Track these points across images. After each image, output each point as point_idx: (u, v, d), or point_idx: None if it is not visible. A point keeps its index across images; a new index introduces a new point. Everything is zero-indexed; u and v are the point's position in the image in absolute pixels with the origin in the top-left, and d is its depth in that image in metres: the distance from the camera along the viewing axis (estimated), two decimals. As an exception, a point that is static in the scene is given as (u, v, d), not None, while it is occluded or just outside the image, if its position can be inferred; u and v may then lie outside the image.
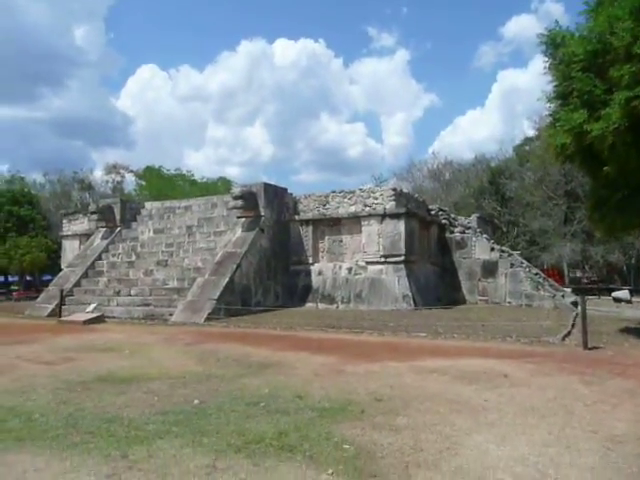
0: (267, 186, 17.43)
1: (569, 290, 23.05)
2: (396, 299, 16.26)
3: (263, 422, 5.15)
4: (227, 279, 15.16)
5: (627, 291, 27.48)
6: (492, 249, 19.72)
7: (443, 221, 20.74)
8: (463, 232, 20.83)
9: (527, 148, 45.62)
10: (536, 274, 20.03)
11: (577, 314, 16.56)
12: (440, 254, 20.20)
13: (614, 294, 27.19)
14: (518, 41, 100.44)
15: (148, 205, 21.55)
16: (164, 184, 49.74)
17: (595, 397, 6.14)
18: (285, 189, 18.75)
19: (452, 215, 22.29)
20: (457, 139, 78.91)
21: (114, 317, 15.55)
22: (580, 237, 33.10)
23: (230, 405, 5.76)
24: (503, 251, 20.28)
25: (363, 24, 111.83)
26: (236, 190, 16.73)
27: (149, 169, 52.20)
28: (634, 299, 26.54)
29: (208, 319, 14.09)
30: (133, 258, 18.62)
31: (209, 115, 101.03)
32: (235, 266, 15.56)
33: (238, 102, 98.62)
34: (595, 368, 7.90)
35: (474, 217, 25.37)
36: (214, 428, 4.95)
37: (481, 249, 19.66)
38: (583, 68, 10.99)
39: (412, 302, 16.05)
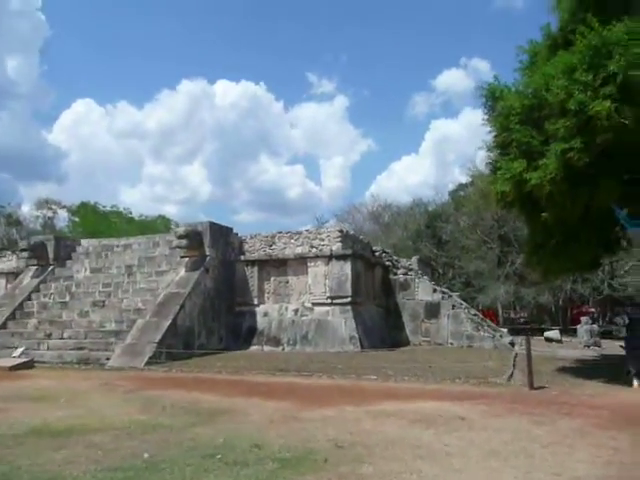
0: (213, 225, 17.12)
1: (505, 330, 23.78)
2: (343, 341, 16.15)
3: (222, 476, 4.84)
4: (170, 321, 14.56)
5: (557, 331, 28.73)
6: (434, 290, 20.14)
7: (387, 263, 21.04)
8: (406, 274, 21.19)
9: (462, 193, 47.64)
10: (474, 315, 20.56)
11: (516, 354, 17.07)
12: (384, 295, 20.39)
13: (546, 334, 28.32)
14: (449, 93, 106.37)
15: (84, 242, 20.57)
16: (99, 221, 47.88)
17: (549, 438, 6.22)
18: (231, 229, 18.49)
19: (394, 257, 22.68)
20: (392, 183, 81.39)
21: (45, 362, 14.47)
22: (513, 279, 34.49)
23: (183, 458, 5.39)
24: (444, 292, 20.78)
25: (303, 69, 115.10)
26: (180, 229, 16.31)
27: (84, 205, 50.18)
28: (564, 338, 27.76)
29: (149, 363, 13.39)
30: (67, 298, 17.57)
31: (146, 152, 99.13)
32: (178, 307, 15.00)
33: (177, 140, 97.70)
34: (543, 408, 8.06)
35: (414, 259, 25.94)
36: (170, 485, 4.60)
37: (424, 291, 20.03)
38: (520, 121, 11.65)
39: (359, 344, 15.99)
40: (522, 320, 41.11)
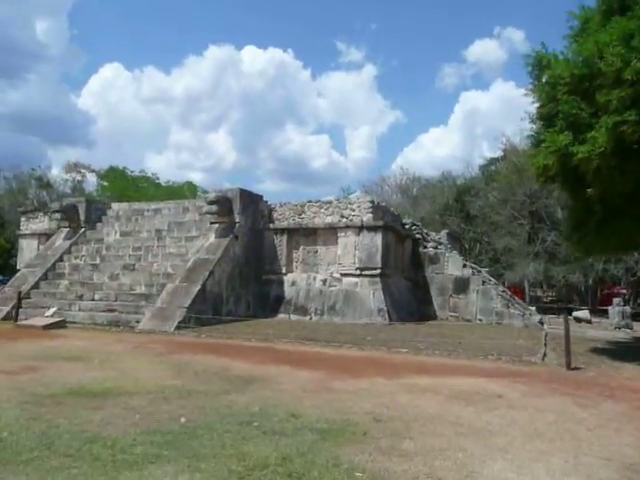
0: (243, 192, 16.98)
1: (533, 309, 23.38)
2: (371, 313, 16.03)
3: (262, 445, 4.75)
4: (199, 287, 14.60)
5: (587, 311, 28.17)
6: (464, 265, 19.80)
7: (417, 236, 20.72)
8: (436, 247, 20.87)
9: (493, 168, 46.56)
10: (503, 291, 20.22)
11: (546, 333, 16.76)
12: (413, 269, 20.15)
13: (575, 314, 27.78)
14: (480, 64, 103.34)
15: (115, 206, 20.70)
16: (128, 186, 48.35)
17: (594, 421, 6.00)
18: (260, 196, 18.34)
19: (424, 230, 22.31)
20: (419, 156, 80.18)
21: (76, 322, 14.72)
22: (543, 257, 33.79)
23: (221, 425, 5.33)
24: (474, 268, 20.42)
25: (332, 38, 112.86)
26: (211, 195, 16.21)
27: (112, 170, 50.63)
28: (593, 319, 27.22)
29: (178, 327, 13.49)
30: (98, 261, 17.77)
31: (173, 119, 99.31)
32: (208, 273, 15.01)
33: (203, 107, 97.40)
34: (584, 390, 7.81)
35: (444, 233, 25.50)
36: (210, 451, 4.52)
37: (454, 265, 19.70)
38: (569, 91, 11.07)
39: (387, 316, 15.85)
40: (549, 299, 40.53)
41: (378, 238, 16.55)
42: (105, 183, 50.79)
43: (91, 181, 51.10)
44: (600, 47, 10.43)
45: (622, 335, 19.95)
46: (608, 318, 28.82)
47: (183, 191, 48.33)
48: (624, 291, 33.63)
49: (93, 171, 51.49)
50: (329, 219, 17.66)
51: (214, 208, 16.06)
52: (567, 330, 9.88)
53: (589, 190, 11.14)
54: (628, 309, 25.05)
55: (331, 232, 17.41)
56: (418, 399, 6.81)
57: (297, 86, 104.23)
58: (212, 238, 16.35)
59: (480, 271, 20.53)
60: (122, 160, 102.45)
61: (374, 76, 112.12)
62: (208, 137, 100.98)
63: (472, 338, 13.70)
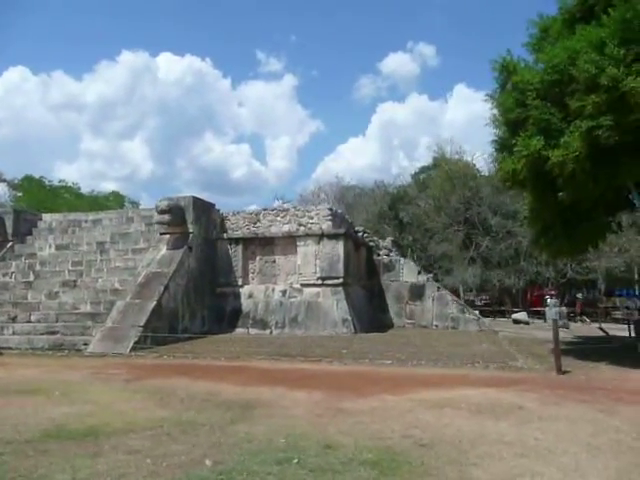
0: (196, 200, 15.94)
1: (477, 312, 23.86)
2: (335, 324, 15.50)
3: (320, 488, 4.07)
4: (154, 303, 13.42)
5: (525, 313, 29.27)
6: (419, 272, 19.80)
7: (370, 244, 20.50)
8: (388, 255, 20.76)
9: (424, 176, 47.77)
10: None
11: (504, 337, 17.03)
12: (368, 276, 19.88)
13: (514, 316, 28.77)
14: (395, 77, 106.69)
15: (47, 217, 18.83)
16: (46, 196, 44.92)
17: (630, 429, 5.79)
18: (213, 204, 17.34)
19: (375, 238, 22.18)
20: (339, 166, 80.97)
21: (11, 348, 13.04)
22: (478, 262, 34.83)
23: (257, 465, 4.57)
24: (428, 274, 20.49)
25: (252, 47, 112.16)
26: (163, 203, 15.03)
27: (28, 179, 46.87)
28: (529, 320, 28.29)
29: (134, 349, 12.27)
30: (31, 278, 15.98)
31: (84, 126, 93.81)
32: (163, 288, 13.85)
33: (117, 115, 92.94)
34: (589, 395, 7.72)
35: (389, 240, 25.54)
36: (267, 502, 3.79)
37: (409, 272, 19.64)
38: (539, 96, 11.20)
39: (352, 327, 15.39)
40: (483, 302, 41.86)
41: (339, 246, 16.09)
42: (19, 194, 46.90)
43: (1, 192, 46.95)
44: (571, 54, 10.59)
45: (564, 335, 20.69)
46: (541, 319, 30.20)
47: (108, 201, 45.66)
48: (553, 293, 35.29)
49: (4, 180, 47.43)
50: (286, 227, 17.00)
51: (166, 218, 14.92)
52: (556, 335, 9.85)
53: (560, 194, 11.26)
54: (564, 309, 26.25)
55: (290, 241, 16.75)
56: (443, 416, 6.35)
57: (216, 95, 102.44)
58: (164, 250, 15.18)
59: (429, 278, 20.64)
60: (29, 169, 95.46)
61: (294, 86, 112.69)
62: (123, 146, 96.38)
63: (443, 345, 13.55)
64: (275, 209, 17.60)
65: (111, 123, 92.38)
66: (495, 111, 13.07)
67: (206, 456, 4.81)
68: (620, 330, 20.91)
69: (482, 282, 34.90)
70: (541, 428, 5.79)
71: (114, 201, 46.49)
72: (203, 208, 16.51)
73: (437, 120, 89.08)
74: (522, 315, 28.32)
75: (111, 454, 4.92)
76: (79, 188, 49.04)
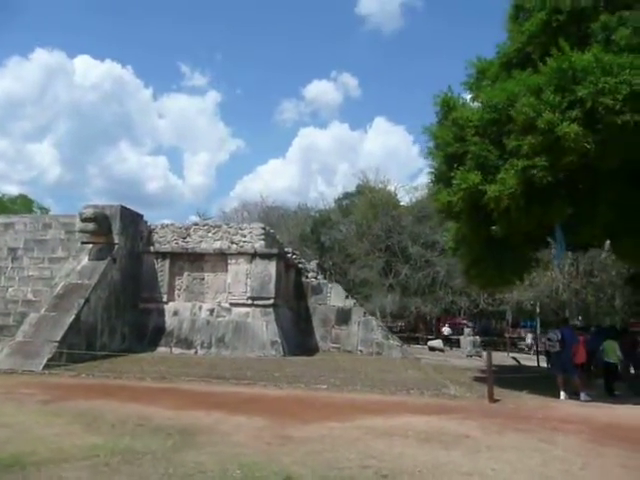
0: (124, 210, 15.05)
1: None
2: (264, 345, 15.10)
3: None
4: (73, 316, 12.37)
5: (440, 341, 30.26)
6: (347, 297, 19.88)
7: (299, 265, 20.37)
8: (316, 277, 20.72)
9: (347, 202, 48.69)
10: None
11: (426, 364, 17.40)
12: (295, 299, 19.66)
13: (430, 343, 29.64)
14: (317, 103, 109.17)
15: (-52, 218, 17.01)
16: (-60, 195, 41.04)
17: (576, 459, 5.96)
18: (141, 216, 16.47)
19: (303, 260, 22.09)
20: (258, 186, 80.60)
21: None
22: (397, 289, 35.73)
23: (217, 499, 4.21)
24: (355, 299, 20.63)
25: (176, 59, 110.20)
26: (88, 211, 14.02)
27: None
28: (444, 347, 29.30)
29: (48, 366, 11.21)
30: None
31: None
32: (83, 301, 12.83)
33: (25, 114, 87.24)
34: (526, 424, 7.97)
35: (314, 263, 25.59)
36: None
37: (336, 296, 19.67)
38: (477, 133, 11.73)
39: (281, 349, 15.06)
40: (398, 329, 42.90)
41: (272, 267, 15.81)
42: None
43: None
44: (510, 96, 11.20)
45: (478, 363, 21.55)
46: (453, 347, 31.39)
47: (15, 205, 42.36)
48: (465, 322, 36.92)
49: None
50: (217, 244, 16.47)
51: (90, 226, 13.93)
52: (490, 364, 10.14)
53: (494, 228, 11.74)
54: (478, 339, 27.44)
55: (220, 258, 16.22)
56: (394, 445, 6.25)
57: (136, 104, 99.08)
58: (85, 260, 14.13)
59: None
60: None
61: (217, 102, 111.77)
62: (29, 147, 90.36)
63: (373, 371, 13.58)
64: (207, 224, 17.06)
65: (18, 123, 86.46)
66: (431, 144, 13.54)
67: (157, 490, 4.37)
68: (527, 360, 22.17)
69: (399, 309, 35.83)
70: (493, 457, 5.84)
71: (21, 205, 43.25)
72: (131, 218, 15.64)
73: (356, 149, 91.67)
74: (437, 343, 29.25)
75: (45, 489, 4.34)
76: (-19, 189, 45.22)
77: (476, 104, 13.22)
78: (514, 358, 20.42)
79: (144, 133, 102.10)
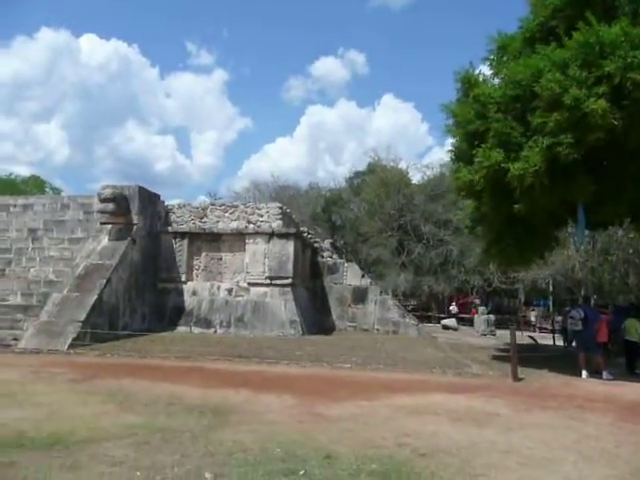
0: (142, 190, 15.05)
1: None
2: (283, 324, 15.19)
3: (340, 503, 3.83)
4: (95, 296, 12.48)
5: (454, 320, 30.32)
6: (363, 276, 19.89)
7: (315, 245, 20.37)
8: (331, 256, 20.73)
9: (359, 181, 48.40)
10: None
11: (443, 343, 17.44)
12: (311, 278, 19.71)
13: (443, 322, 29.71)
14: (324, 81, 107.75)
15: (-33, 199, 17.12)
16: (-47, 177, 41.26)
17: (608, 437, 5.96)
18: (158, 196, 16.49)
19: (318, 239, 22.08)
20: (265, 165, 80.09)
21: None
22: (410, 268, 35.69)
23: (263, 478, 4.25)
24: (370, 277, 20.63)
25: (182, 38, 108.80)
26: (107, 191, 14.03)
27: None
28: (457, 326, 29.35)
29: (73, 345, 11.36)
30: (-51, 265, 14.45)
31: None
32: (105, 281, 12.93)
33: (32, 95, 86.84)
34: (554, 401, 8.00)
35: (328, 242, 25.58)
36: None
37: (353, 275, 19.68)
38: (500, 110, 11.52)
39: (300, 328, 15.15)
40: (410, 307, 43.03)
41: (290, 246, 15.81)
42: None
43: None
44: (534, 72, 10.96)
45: (494, 341, 21.57)
46: (466, 325, 31.45)
47: (27, 186, 42.54)
48: (477, 300, 36.85)
49: None
50: (235, 224, 16.47)
51: (110, 207, 13.97)
52: (514, 342, 10.13)
53: (517, 206, 11.61)
54: (492, 317, 27.42)
55: (238, 238, 16.24)
56: (426, 423, 6.28)
57: (142, 84, 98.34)
58: (105, 241, 14.20)
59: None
60: None
61: (224, 81, 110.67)
62: (37, 128, 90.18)
63: (392, 350, 13.64)
64: (223, 205, 17.04)
65: (25, 103, 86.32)
66: (450, 121, 13.34)
67: (202, 468, 4.42)
68: (545, 339, 22.13)
69: (412, 288, 35.82)
70: (526, 436, 5.85)
71: (33, 185, 43.43)
72: (149, 199, 15.65)
73: (364, 127, 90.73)
74: (451, 321, 29.30)
75: (92, 466, 4.41)
76: (-7, 171, 45.35)
77: (497, 80, 13.02)
78: (531, 337, 20.40)
79: (151, 113, 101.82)
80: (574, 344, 13.82)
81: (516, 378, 9.70)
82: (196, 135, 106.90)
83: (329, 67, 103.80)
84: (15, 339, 11.69)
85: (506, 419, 6.64)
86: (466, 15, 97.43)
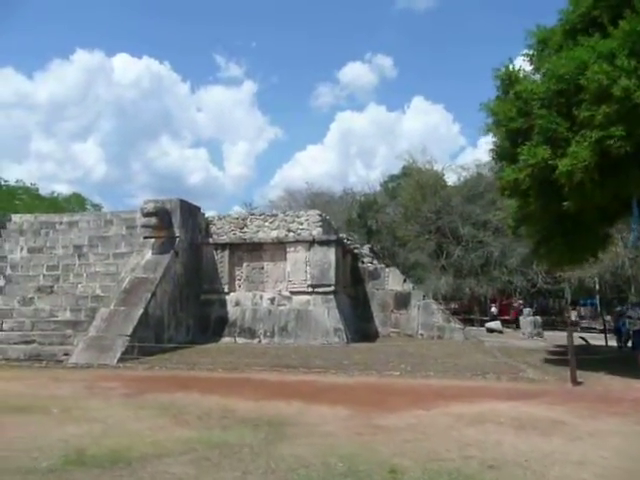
0: (183, 203, 15.23)
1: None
2: (327, 333, 15.06)
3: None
4: (141, 310, 12.64)
5: (499, 322, 29.57)
6: (404, 281, 19.60)
7: (355, 251, 20.20)
8: (372, 262, 20.51)
9: (393, 185, 48.01)
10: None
11: (491, 347, 16.96)
12: (353, 284, 19.53)
13: (487, 325, 29.00)
14: (353, 86, 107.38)
15: (16, 218, 17.61)
16: (1, 197, 42.69)
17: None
18: (199, 208, 16.65)
19: (358, 245, 21.90)
20: (297, 173, 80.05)
21: (-19, 359, 12.03)
22: (450, 271, 35.08)
23: (329, 494, 4.12)
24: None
25: (211, 52, 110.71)
26: (149, 206, 14.25)
27: (-21, 179, 44.39)
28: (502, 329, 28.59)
29: (122, 360, 11.49)
30: (2, 283, 14.86)
31: (35, 126, 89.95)
32: (150, 295, 13.08)
33: (69, 115, 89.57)
34: (619, 407, 7.63)
35: (366, 248, 25.35)
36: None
37: (394, 281, 19.40)
38: (543, 106, 11.15)
39: (344, 336, 14.99)
40: (452, 311, 42.27)
41: (331, 253, 15.70)
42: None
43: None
44: (579, 64, 10.56)
45: (543, 344, 20.88)
46: (510, 327, 30.62)
47: (69, 204, 43.76)
48: (521, 302, 35.89)
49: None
50: (275, 233, 16.48)
51: (153, 221, 14.16)
52: (571, 345, 9.73)
53: (566, 203, 11.18)
54: (539, 319, 26.59)
55: (279, 247, 16.23)
56: (489, 433, 6.03)
57: (174, 99, 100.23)
58: (149, 255, 14.39)
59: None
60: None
61: (254, 92, 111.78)
62: (75, 147, 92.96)
63: (440, 355, 13.32)
64: (263, 214, 17.08)
65: (63, 123, 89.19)
66: (490, 120, 13.00)
67: (266, 484, 4.31)
68: (595, 339, 21.31)
69: (453, 291, 35.20)
70: (597, 444, 5.55)
71: (75, 203, 44.62)
72: (190, 211, 15.82)
73: (395, 130, 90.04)
74: (496, 324, 28.56)
75: (155, 484, 4.36)
76: (37, 189, 46.82)
77: (538, 76, 12.64)
78: (582, 338, 19.66)
79: (183, 126, 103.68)
80: (630, 344, 13.22)
81: (575, 382, 9.30)
82: (228, 146, 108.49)
83: (357, 72, 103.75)
84: (66, 354, 11.91)
85: (572, 427, 6.32)
86: (490, 13, 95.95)
